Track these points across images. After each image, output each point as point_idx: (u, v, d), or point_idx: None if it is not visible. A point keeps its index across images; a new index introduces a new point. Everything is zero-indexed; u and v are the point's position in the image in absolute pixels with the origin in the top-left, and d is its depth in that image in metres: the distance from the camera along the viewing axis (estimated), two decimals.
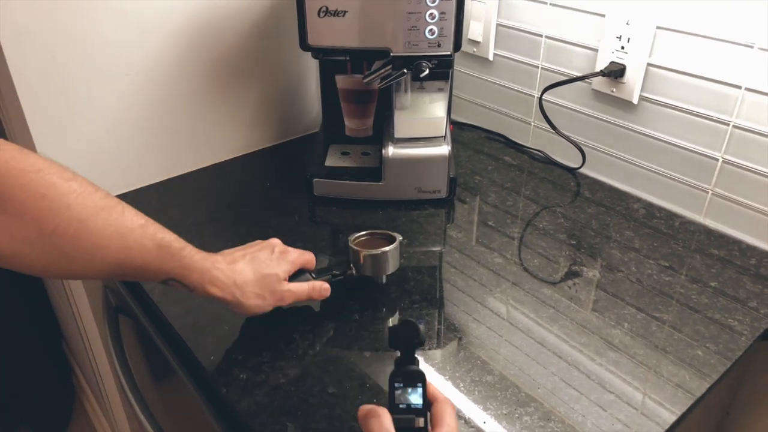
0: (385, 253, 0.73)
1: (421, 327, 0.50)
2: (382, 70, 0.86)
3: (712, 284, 0.78)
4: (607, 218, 0.92)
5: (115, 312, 0.91)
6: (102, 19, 0.87)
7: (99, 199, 0.56)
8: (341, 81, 0.99)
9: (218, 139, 1.08)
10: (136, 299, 0.83)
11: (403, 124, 0.93)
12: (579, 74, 0.98)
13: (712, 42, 0.82)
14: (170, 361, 0.75)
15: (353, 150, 1.04)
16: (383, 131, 0.98)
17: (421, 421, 0.48)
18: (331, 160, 1.02)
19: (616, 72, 0.93)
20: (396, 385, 0.49)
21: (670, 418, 0.61)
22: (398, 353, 0.51)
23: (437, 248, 0.87)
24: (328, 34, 0.82)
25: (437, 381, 0.65)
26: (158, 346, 0.77)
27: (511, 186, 1.02)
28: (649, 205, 0.95)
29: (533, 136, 1.12)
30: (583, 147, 1.03)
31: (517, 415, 0.60)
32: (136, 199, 0.98)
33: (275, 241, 0.70)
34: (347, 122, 1.04)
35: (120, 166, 0.98)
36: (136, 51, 0.92)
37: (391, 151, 0.93)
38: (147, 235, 0.58)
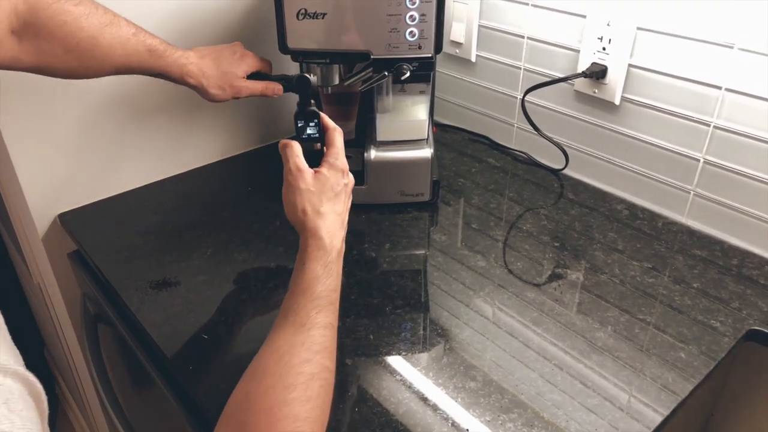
0: (329, 64, 0.85)
1: (312, 78, 0.66)
2: (363, 73, 0.86)
3: (695, 285, 0.78)
4: (590, 219, 0.92)
5: (94, 320, 0.90)
6: None
7: (102, 15, 0.72)
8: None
9: (198, 143, 1.07)
10: (115, 308, 0.82)
11: (385, 127, 0.92)
12: (561, 75, 0.98)
13: (693, 43, 0.82)
14: (149, 371, 0.73)
15: None
16: (365, 134, 0.98)
17: (318, 146, 0.67)
18: None
19: (597, 73, 0.93)
20: (298, 121, 0.66)
21: (656, 419, 0.60)
22: (299, 98, 0.66)
23: (421, 251, 0.87)
24: (307, 36, 0.81)
25: (422, 385, 0.64)
26: (137, 356, 0.76)
27: (494, 188, 1.01)
28: (632, 206, 0.95)
29: (516, 137, 1.12)
30: (566, 148, 1.03)
31: (500, 422, 0.60)
32: (115, 204, 0.97)
33: (238, 45, 0.86)
34: None
35: (98, 171, 0.96)
36: None
37: (373, 154, 0.92)
38: (139, 42, 0.75)
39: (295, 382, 0.49)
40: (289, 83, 0.89)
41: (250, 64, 0.86)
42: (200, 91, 0.83)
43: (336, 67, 0.88)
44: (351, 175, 0.66)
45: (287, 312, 0.55)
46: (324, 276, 0.58)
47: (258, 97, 0.88)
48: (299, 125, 0.66)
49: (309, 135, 0.67)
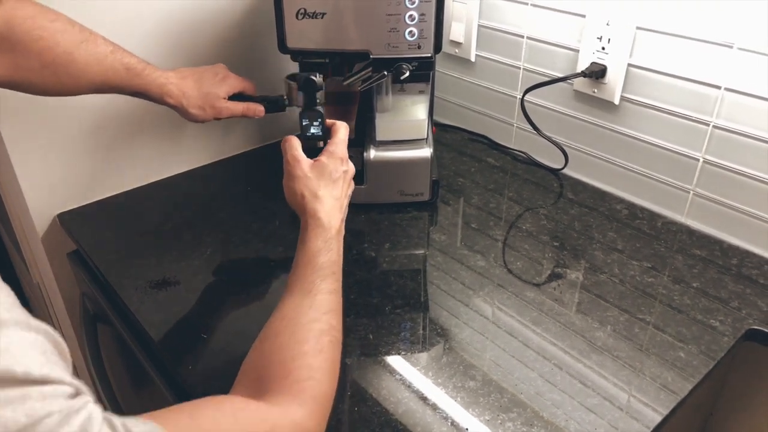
0: None
1: (318, 79, 0.70)
2: (362, 73, 0.85)
3: (695, 285, 0.78)
4: (590, 219, 0.92)
5: (93, 320, 0.90)
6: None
7: (78, 33, 0.73)
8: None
9: (198, 143, 1.07)
10: (114, 307, 0.82)
11: (385, 126, 0.92)
12: (561, 75, 0.98)
13: (692, 42, 0.82)
14: (148, 370, 0.73)
15: None
16: (365, 134, 0.98)
17: (320, 143, 0.70)
18: None
19: (597, 73, 0.93)
20: (303, 120, 0.71)
21: (655, 418, 0.60)
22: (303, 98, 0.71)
23: (420, 251, 0.87)
24: (306, 36, 0.81)
25: (421, 384, 0.64)
26: (136, 355, 0.76)
27: (494, 187, 1.01)
28: (632, 206, 0.95)
29: (516, 137, 1.12)
30: (565, 148, 1.03)
31: (499, 421, 0.60)
32: (114, 204, 0.97)
33: (220, 66, 0.88)
34: None
35: (98, 170, 0.96)
36: None
37: (372, 154, 0.92)
38: (117, 60, 0.76)
39: (306, 337, 0.52)
40: (271, 104, 0.90)
41: (232, 85, 0.87)
42: (180, 110, 0.83)
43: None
44: (351, 164, 0.69)
45: (293, 284, 0.58)
46: (325, 250, 0.61)
47: (239, 117, 0.89)
48: (304, 124, 0.71)
49: (312, 133, 0.71)
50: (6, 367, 0.30)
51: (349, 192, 0.69)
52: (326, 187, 0.65)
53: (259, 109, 0.89)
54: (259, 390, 0.48)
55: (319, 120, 0.70)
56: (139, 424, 0.36)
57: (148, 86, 0.79)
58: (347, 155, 0.69)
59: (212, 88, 0.84)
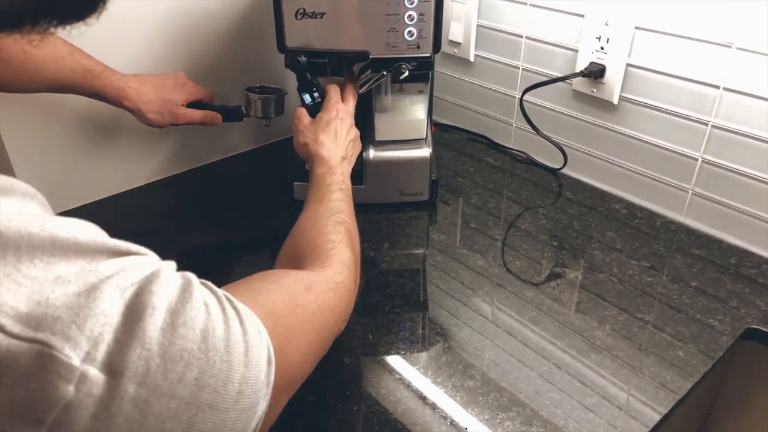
0: (268, 98, 0.93)
1: (302, 59, 0.81)
2: (362, 76, 0.86)
3: (693, 284, 0.78)
4: (588, 219, 0.92)
5: None
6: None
7: None
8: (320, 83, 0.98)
9: (198, 144, 1.07)
10: None
11: (384, 126, 0.93)
12: (559, 75, 0.98)
13: (691, 42, 0.82)
14: None
15: None
16: (364, 134, 0.97)
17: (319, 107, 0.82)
18: None
19: (595, 72, 0.93)
20: (302, 94, 0.84)
21: (654, 417, 0.60)
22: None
23: (420, 251, 0.87)
24: (305, 36, 0.81)
25: (421, 384, 0.64)
26: None
27: (493, 187, 1.01)
28: (631, 205, 0.95)
29: (515, 137, 1.12)
30: (564, 148, 1.03)
31: (498, 420, 0.60)
32: (113, 204, 0.97)
33: (180, 74, 0.91)
34: None
35: (96, 171, 0.96)
36: (112, 53, 0.90)
37: (372, 154, 0.92)
38: (75, 61, 0.77)
39: (325, 225, 0.63)
40: (229, 113, 0.94)
41: (191, 93, 0.90)
42: (137, 114, 0.85)
43: (272, 98, 0.94)
44: (346, 111, 0.81)
45: (307, 201, 0.69)
46: (329, 173, 0.72)
47: (197, 125, 0.91)
48: (304, 96, 0.82)
49: (311, 101, 0.84)
50: (99, 239, 0.33)
51: (351, 137, 0.80)
52: (324, 132, 0.77)
53: (217, 117, 0.92)
54: (295, 267, 0.58)
55: (315, 88, 0.82)
56: (236, 300, 0.40)
57: (105, 88, 0.81)
58: (343, 108, 0.81)
59: (171, 95, 0.87)
